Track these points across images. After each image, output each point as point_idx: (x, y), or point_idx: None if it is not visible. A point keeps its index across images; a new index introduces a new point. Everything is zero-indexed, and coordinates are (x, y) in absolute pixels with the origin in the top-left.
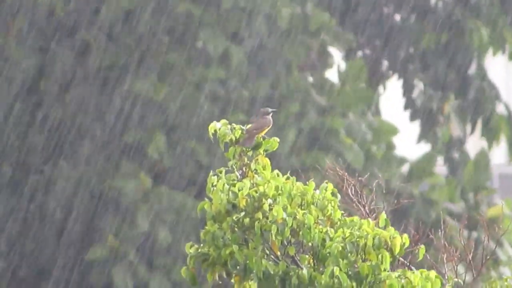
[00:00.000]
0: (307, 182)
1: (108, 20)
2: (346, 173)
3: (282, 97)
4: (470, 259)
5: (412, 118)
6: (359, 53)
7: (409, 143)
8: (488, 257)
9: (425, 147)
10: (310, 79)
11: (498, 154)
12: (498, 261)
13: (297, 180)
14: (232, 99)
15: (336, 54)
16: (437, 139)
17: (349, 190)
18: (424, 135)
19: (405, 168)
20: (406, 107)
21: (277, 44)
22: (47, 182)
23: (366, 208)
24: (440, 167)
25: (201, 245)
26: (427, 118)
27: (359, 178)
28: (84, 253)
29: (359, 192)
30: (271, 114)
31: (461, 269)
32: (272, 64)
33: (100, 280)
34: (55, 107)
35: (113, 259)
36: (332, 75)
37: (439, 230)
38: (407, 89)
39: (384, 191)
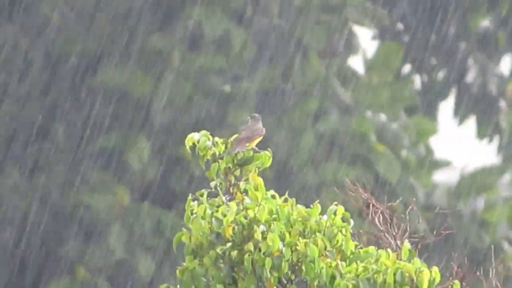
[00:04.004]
0: (312, 205)
1: None
2: (374, 191)
3: (296, 91)
4: None
5: (465, 110)
6: (391, 34)
7: (451, 150)
8: None
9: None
10: (332, 68)
11: None
12: None
13: (313, 199)
14: (233, 93)
15: (364, 36)
16: (502, 132)
17: (376, 218)
18: (482, 130)
19: (449, 179)
20: (459, 96)
21: (290, 24)
22: None
23: (398, 240)
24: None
25: (178, 286)
26: (486, 106)
27: (389, 204)
28: (44, 287)
29: (389, 220)
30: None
31: None
32: (284, 50)
33: None
34: (4, 101)
35: None
36: (358, 63)
37: (493, 262)
38: (460, 73)
39: (419, 218)
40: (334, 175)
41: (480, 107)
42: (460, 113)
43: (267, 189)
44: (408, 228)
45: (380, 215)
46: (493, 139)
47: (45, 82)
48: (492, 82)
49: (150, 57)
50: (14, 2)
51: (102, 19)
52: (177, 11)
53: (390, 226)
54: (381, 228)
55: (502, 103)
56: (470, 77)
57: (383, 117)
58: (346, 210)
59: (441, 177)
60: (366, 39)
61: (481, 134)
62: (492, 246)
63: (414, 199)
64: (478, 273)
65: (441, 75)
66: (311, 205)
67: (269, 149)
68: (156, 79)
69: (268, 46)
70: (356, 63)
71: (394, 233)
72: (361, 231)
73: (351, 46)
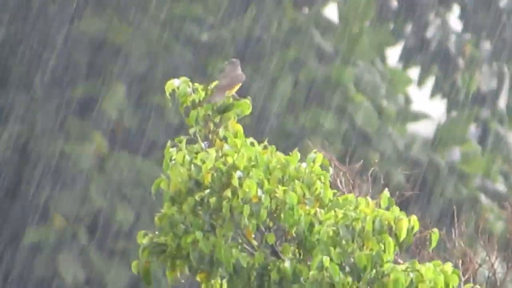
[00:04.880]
0: (291, 152)
1: None
2: (352, 141)
3: (274, 39)
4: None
5: (424, 63)
6: None
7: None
8: None
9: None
10: (309, 17)
11: None
12: None
13: (292, 147)
14: (209, 42)
15: None
16: (457, 90)
17: (338, 180)
18: (439, 86)
19: (426, 132)
20: (418, 49)
21: None
22: None
23: (379, 199)
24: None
25: (156, 233)
26: (444, 63)
27: (350, 166)
28: (22, 236)
29: (351, 181)
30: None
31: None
32: None
33: (43, 269)
34: None
35: (60, 243)
36: (332, 12)
37: (470, 212)
38: (420, 27)
39: (383, 180)
40: (312, 122)
41: (437, 63)
42: (404, 60)
43: (246, 137)
44: (370, 190)
45: (342, 177)
46: (448, 96)
47: (21, 30)
48: (452, 40)
49: (128, 5)
50: None
51: None
52: None
53: (353, 187)
54: (343, 190)
55: (460, 61)
56: (431, 32)
57: (361, 66)
58: None
59: (418, 128)
60: None
61: (436, 90)
62: (455, 207)
63: (377, 160)
64: (441, 233)
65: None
66: (290, 153)
67: (249, 96)
68: (134, 27)
69: None
70: (330, 12)
71: (356, 195)
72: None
73: None
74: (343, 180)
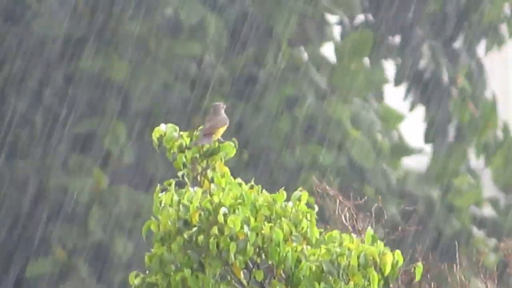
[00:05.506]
0: (278, 192)
1: None
2: (348, 177)
3: (271, 77)
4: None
5: (419, 94)
6: (359, 20)
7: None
8: None
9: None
10: (305, 55)
11: None
12: None
13: (289, 183)
14: (208, 79)
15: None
16: (450, 121)
17: (343, 215)
18: (432, 116)
19: (415, 164)
20: (411, 82)
21: (264, 11)
22: None
23: (363, 236)
24: None
25: (147, 272)
26: (437, 95)
27: (355, 202)
28: (23, 269)
29: (355, 216)
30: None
31: None
32: (258, 37)
33: None
34: None
35: (60, 275)
36: (329, 50)
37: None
38: (414, 58)
39: (385, 217)
40: (310, 158)
41: (430, 94)
42: (411, 100)
43: (244, 173)
44: (373, 225)
45: (347, 212)
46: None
47: (22, 67)
48: (444, 70)
49: (128, 43)
50: None
51: (80, 4)
52: None
53: (356, 222)
54: (347, 225)
55: (454, 91)
56: (423, 63)
57: (357, 103)
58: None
59: (411, 162)
60: (337, 27)
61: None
62: (456, 242)
63: (380, 197)
64: (442, 267)
65: (398, 61)
66: (285, 190)
67: (233, 139)
68: (134, 65)
69: (242, 33)
70: (327, 50)
71: (359, 229)
72: (328, 227)
73: (323, 34)
74: (347, 215)
